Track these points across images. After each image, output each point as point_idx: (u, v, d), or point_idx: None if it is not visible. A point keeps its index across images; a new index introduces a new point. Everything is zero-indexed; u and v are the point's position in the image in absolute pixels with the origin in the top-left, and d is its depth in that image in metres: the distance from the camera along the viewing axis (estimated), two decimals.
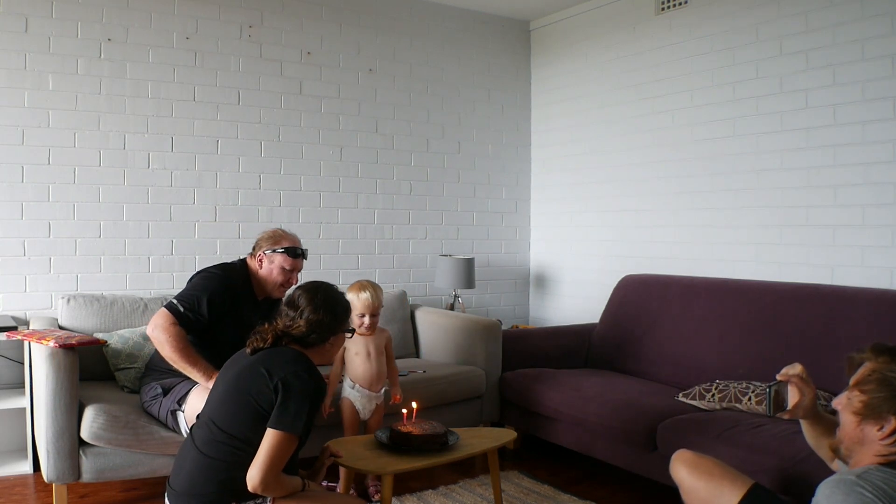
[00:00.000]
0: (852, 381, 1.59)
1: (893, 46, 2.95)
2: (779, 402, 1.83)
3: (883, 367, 1.53)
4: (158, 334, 2.59)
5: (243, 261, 2.90)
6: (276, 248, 2.81)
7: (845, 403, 1.59)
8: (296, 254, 2.84)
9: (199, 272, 2.82)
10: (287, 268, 2.81)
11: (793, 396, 1.83)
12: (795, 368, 1.84)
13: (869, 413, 1.52)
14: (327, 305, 2.09)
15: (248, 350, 2.06)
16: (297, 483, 2.00)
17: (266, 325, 2.08)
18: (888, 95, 2.97)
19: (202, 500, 1.93)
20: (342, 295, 2.20)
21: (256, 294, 2.85)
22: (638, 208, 4.09)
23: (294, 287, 2.13)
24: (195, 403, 2.55)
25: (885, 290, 2.83)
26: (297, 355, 2.02)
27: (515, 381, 3.43)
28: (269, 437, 1.88)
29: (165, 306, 2.65)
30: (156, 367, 2.76)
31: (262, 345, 2.03)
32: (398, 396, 2.95)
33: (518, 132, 4.81)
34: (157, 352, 2.69)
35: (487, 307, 4.70)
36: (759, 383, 2.79)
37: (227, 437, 1.93)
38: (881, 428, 1.50)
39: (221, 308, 2.69)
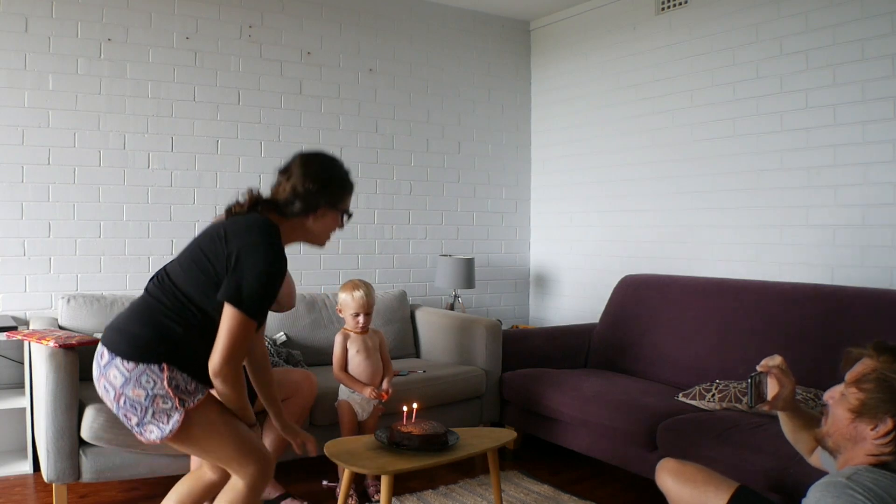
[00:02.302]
0: (849, 376, 1.58)
1: (893, 46, 2.95)
2: (759, 393, 1.82)
3: (884, 367, 1.52)
4: None
5: None
6: None
7: (838, 398, 1.59)
8: None
9: None
10: None
11: (772, 388, 1.83)
12: (775, 360, 1.84)
13: (865, 411, 1.52)
14: (322, 175, 1.92)
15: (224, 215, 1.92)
16: (247, 404, 1.89)
17: (248, 190, 1.93)
18: (888, 95, 2.97)
19: (130, 339, 1.81)
20: (345, 172, 2.00)
21: None
22: (638, 208, 4.09)
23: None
24: None
25: (885, 290, 2.83)
26: (263, 223, 1.84)
27: (515, 381, 3.43)
28: (225, 315, 1.76)
29: None
30: None
31: (238, 210, 1.89)
32: (385, 395, 2.93)
33: (518, 132, 4.81)
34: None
35: (487, 307, 4.70)
36: None
37: (173, 287, 1.83)
38: (875, 427, 1.50)
39: None
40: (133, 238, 3.59)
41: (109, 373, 1.80)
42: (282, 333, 3.55)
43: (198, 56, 3.73)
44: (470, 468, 3.21)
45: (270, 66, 3.93)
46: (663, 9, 3.93)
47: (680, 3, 3.83)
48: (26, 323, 3.29)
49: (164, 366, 1.79)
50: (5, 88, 3.31)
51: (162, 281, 1.87)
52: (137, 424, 1.81)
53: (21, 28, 3.33)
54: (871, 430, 1.50)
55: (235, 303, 1.76)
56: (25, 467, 3.10)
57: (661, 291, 3.60)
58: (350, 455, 2.35)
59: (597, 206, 4.37)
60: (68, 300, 3.21)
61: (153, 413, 1.78)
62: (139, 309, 1.87)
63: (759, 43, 3.45)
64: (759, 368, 1.84)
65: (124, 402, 1.80)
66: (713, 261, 3.68)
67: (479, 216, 4.66)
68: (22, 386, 3.23)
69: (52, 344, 2.60)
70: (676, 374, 3.30)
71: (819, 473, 1.77)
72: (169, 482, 2.75)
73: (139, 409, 1.79)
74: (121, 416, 1.84)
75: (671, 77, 3.88)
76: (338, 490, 2.78)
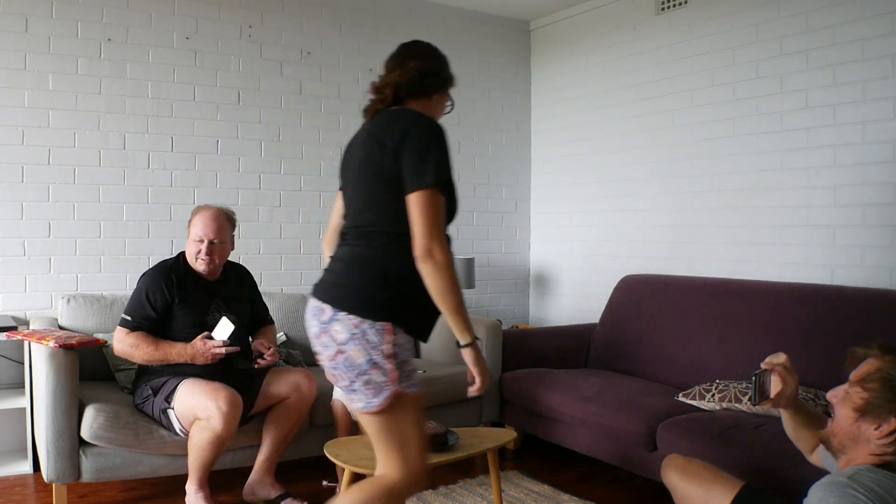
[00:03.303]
0: (854, 376, 1.58)
1: (893, 46, 2.95)
2: (763, 390, 1.83)
3: (889, 367, 1.52)
4: (122, 348, 2.68)
5: (182, 252, 2.87)
6: (190, 222, 2.82)
7: (843, 397, 1.59)
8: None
9: (140, 277, 2.82)
10: (195, 238, 2.76)
11: (776, 386, 1.83)
12: (780, 358, 1.84)
13: (869, 411, 1.52)
14: (438, 55, 1.94)
15: (366, 119, 1.89)
16: (463, 301, 1.71)
17: (379, 83, 1.89)
18: (888, 95, 2.97)
19: (353, 292, 1.73)
20: None
21: (206, 277, 2.83)
22: (638, 208, 4.09)
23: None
24: (184, 399, 2.58)
25: (885, 290, 2.83)
26: (402, 109, 1.82)
27: (515, 381, 3.43)
28: (411, 204, 1.67)
29: (118, 324, 2.72)
30: (145, 370, 2.78)
31: (381, 105, 1.85)
32: None
33: (518, 132, 4.81)
34: None
35: (487, 307, 4.70)
36: None
37: (370, 228, 1.77)
38: (879, 427, 1.50)
39: (165, 300, 2.70)
40: (133, 238, 3.59)
41: (333, 327, 1.72)
42: (281, 333, 3.55)
43: (198, 56, 3.73)
44: (470, 468, 3.20)
45: (270, 66, 3.93)
46: (663, 9, 3.93)
47: (680, 3, 3.83)
48: (26, 323, 3.29)
49: (389, 326, 1.69)
50: (5, 88, 3.31)
51: (357, 231, 1.80)
52: (346, 388, 1.74)
53: (21, 28, 3.33)
54: (875, 429, 1.50)
55: (417, 185, 1.67)
56: (25, 467, 3.10)
57: (661, 291, 3.60)
58: (350, 455, 2.35)
59: (597, 206, 4.37)
60: (68, 300, 3.21)
61: (366, 381, 1.70)
62: (352, 261, 1.78)
63: (759, 43, 3.45)
64: (762, 366, 1.84)
65: (342, 361, 1.71)
66: (713, 261, 3.68)
67: (479, 216, 4.66)
68: (22, 386, 3.23)
69: (52, 344, 2.60)
70: (676, 374, 3.30)
71: (819, 472, 1.77)
72: (169, 482, 2.77)
73: (353, 372, 1.71)
74: (331, 375, 1.78)
75: (671, 77, 3.88)
76: (338, 490, 2.78)
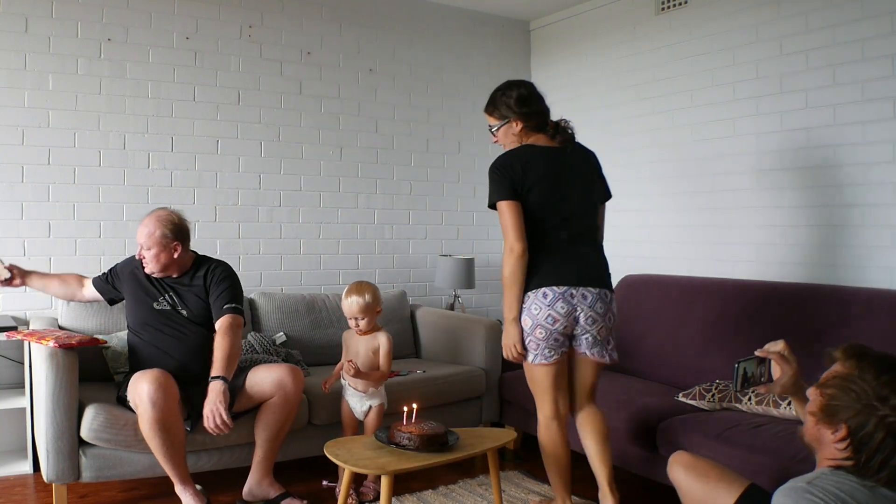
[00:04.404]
0: (821, 379, 1.59)
1: (893, 46, 2.95)
2: (747, 377, 1.83)
3: (846, 374, 1.51)
4: None
5: None
6: None
7: (812, 399, 1.59)
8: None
9: None
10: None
11: (774, 373, 1.84)
12: (777, 345, 1.84)
13: (824, 416, 1.51)
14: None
15: (555, 144, 2.70)
16: None
17: (551, 120, 2.74)
18: (888, 95, 2.97)
19: (609, 274, 2.59)
20: None
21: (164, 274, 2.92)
22: (638, 208, 4.09)
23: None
24: (132, 388, 2.59)
25: (886, 290, 2.83)
26: (581, 145, 2.76)
27: (515, 381, 3.42)
28: (603, 209, 2.72)
29: None
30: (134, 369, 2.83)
31: (568, 140, 2.72)
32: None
33: None
34: (129, 353, 2.93)
35: (487, 307, 4.69)
36: None
37: (593, 221, 2.64)
38: (834, 432, 1.50)
39: (116, 273, 2.98)
40: (133, 238, 3.55)
41: (613, 305, 2.53)
42: (281, 333, 3.55)
43: (198, 56, 3.73)
44: (470, 468, 3.20)
45: (270, 66, 3.93)
46: (663, 9, 3.93)
47: (680, 3, 3.83)
48: (26, 323, 3.29)
49: None
50: (5, 88, 3.31)
51: (589, 231, 2.60)
52: (610, 348, 2.53)
53: (21, 28, 3.33)
54: (831, 433, 1.50)
55: (608, 197, 2.74)
56: (25, 467, 3.10)
57: (662, 291, 3.60)
58: (350, 455, 2.35)
59: None
60: (68, 300, 3.21)
61: (615, 336, 2.55)
62: (600, 254, 2.63)
63: (759, 43, 3.45)
64: (757, 353, 1.85)
65: (613, 326, 2.51)
66: (713, 261, 3.68)
67: (479, 216, 4.66)
68: (22, 386, 3.23)
69: (51, 344, 2.60)
70: (676, 374, 3.30)
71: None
72: (168, 482, 2.76)
73: (614, 333, 2.53)
74: (604, 342, 2.50)
75: (671, 77, 3.88)
76: (338, 490, 2.78)
